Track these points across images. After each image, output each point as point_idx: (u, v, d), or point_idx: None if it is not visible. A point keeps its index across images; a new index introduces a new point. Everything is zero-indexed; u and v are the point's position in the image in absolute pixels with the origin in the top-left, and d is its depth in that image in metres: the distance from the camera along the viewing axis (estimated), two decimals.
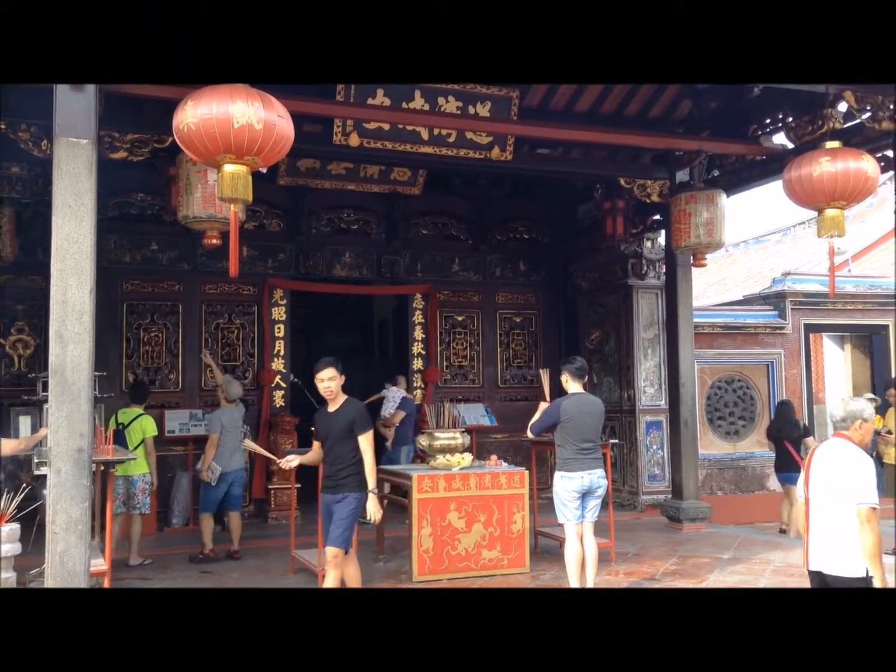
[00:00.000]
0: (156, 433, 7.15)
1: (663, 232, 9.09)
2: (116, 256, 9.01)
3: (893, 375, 9.44)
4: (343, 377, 4.90)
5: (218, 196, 4.87)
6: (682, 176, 8.30)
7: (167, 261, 9.30)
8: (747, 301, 11.35)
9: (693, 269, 8.98)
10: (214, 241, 6.24)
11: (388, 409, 9.07)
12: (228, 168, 4.68)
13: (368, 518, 4.94)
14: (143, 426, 7.04)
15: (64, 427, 4.20)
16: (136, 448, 6.89)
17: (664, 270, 9.27)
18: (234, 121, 4.51)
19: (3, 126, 5.88)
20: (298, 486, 7.35)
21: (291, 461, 5.19)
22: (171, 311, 9.30)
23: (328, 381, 4.85)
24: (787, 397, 9.67)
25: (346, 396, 4.96)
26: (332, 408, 4.96)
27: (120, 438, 6.83)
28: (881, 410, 8.66)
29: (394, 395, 9.14)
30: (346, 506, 4.82)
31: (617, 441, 9.36)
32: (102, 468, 5.00)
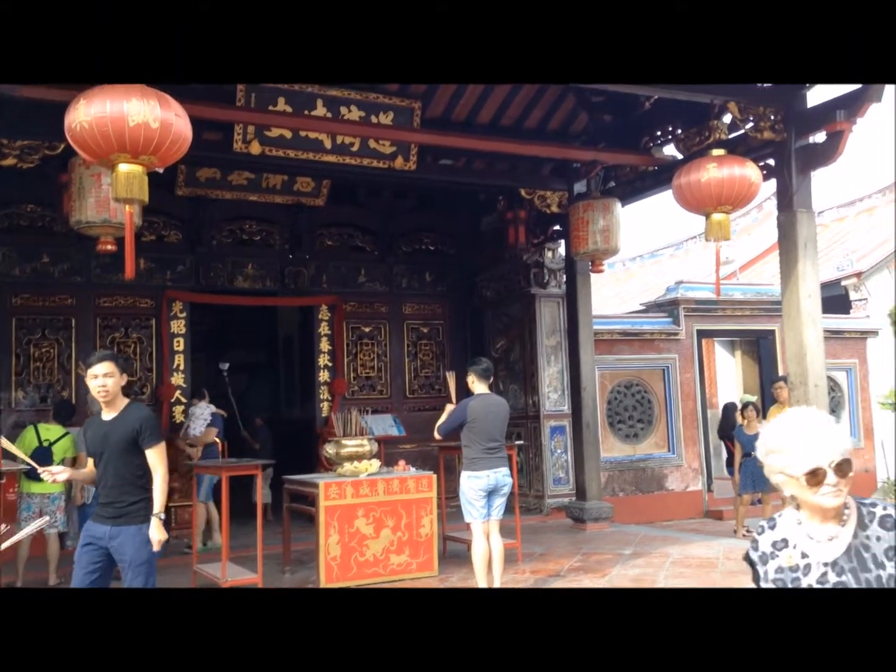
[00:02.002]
0: (75, 453, 6.91)
1: (563, 242, 9.36)
2: (5, 269, 8.61)
3: (780, 373, 9.95)
4: (125, 378, 3.98)
5: (112, 197, 4.75)
6: (579, 187, 8.59)
7: (59, 273, 8.93)
8: (644, 310, 11.78)
9: (593, 280, 9.33)
10: (109, 246, 6.05)
11: (198, 427, 8.15)
12: (123, 168, 4.57)
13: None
14: (67, 445, 6.85)
15: None
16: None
17: (565, 279, 9.54)
18: (129, 119, 4.41)
19: None
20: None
21: (57, 473, 4.01)
22: (64, 325, 8.93)
23: (104, 377, 3.84)
24: (742, 398, 10.05)
25: (127, 400, 4.00)
26: (108, 414, 3.95)
27: (44, 455, 6.56)
28: (767, 406, 9.14)
29: (202, 412, 8.24)
30: (138, 544, 3.80)
31: (522, 442, 9.54)
32: None
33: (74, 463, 6.86)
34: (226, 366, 10.26)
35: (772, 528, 2.01)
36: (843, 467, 1.84)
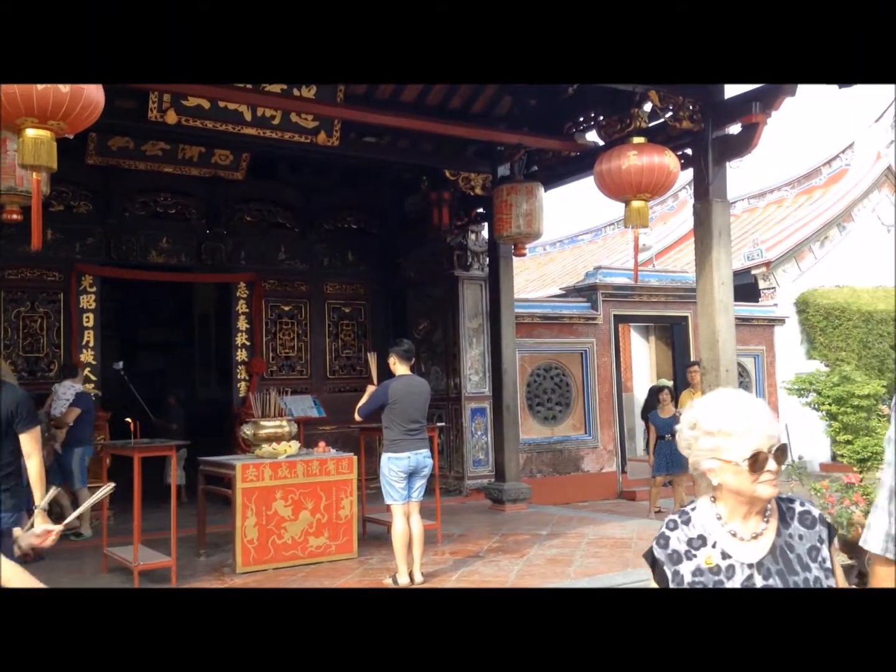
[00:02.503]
0: None
1: (486, 225, 9.38)
2: None
3: (692, 358, 10.26)
4: None
5: (19, 163, 4.48)
6: (503, 171, 8.62)
7: None
8: (564, 294, 11.96)
9: (515, 263, 9.39)
10: (15, 216, 5.73)
11: (60, 406, 7.70)
12: (31, 133, 4.31)
13: (28, 547, 3.05)
14: None
15: None
16: None
17: (488, 262, 9.58)
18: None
19: None
20: (113, 484, 6.92)
21: None
22: None
23: None
24: (658, 382, 10.26)
25: None
26: None
27: None
28: (680, 389, 9.42)
29: (66, 391, 7.76)
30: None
31: (443, 424, 9.57)
32: None
33: None
34: (119, 365, 9.77)
35: (685, 522, 1.79)
36: (781, 453, 1.68)
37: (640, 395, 14.37)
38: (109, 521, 6.71)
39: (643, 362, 14.98)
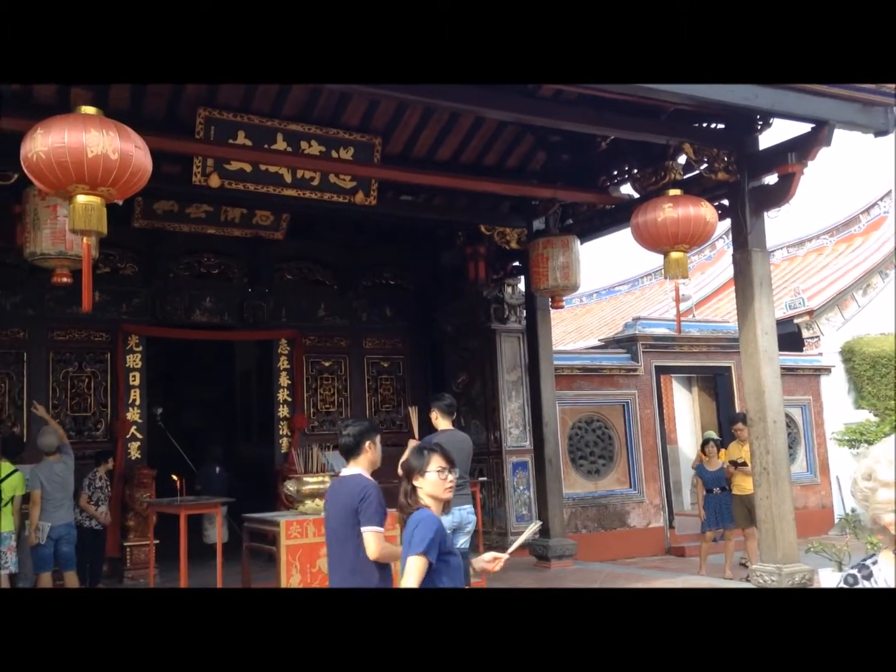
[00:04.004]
0: (24, 491, 6.67)
1: (523, 278, 9.43)
2: None
3: (738, 411, 10.08)
4: None
5: (70, 228, 4.64)
6: (538, 224, 8.69)
7: (10, 306, 8.71)
8: (603, 346, 11.89)
9: (552, 315, 9.39)
10: (65, 279, 5.91)
11: None
12: (81, 199, 4.48)
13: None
14: (16, 483, 6.61)
15: None
16: (6, 505, 6.43)
17: (525, 315, 9.59)
18: (87, 150, 4.34)
19: None
20: (157, 542, 6.98)
21: None
22: (16, 359, 8.68)
23: None
24: (705, 435, 10.11)
25: None
26: None
27: None
28: (725, 443, 9.24)
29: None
30: None
31: (485, 479, 9.47)
32: None
33: (27, 501, 6.64)
34: (159, 411, 9.98)
35: (866, 577, 1.69)
36: None
37: (684, 447, 14.11)
38: (155, 580, 6.72)
39: (687, 413, 14.74)
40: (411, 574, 2.93)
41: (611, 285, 22.11)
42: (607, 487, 10.47)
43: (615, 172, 8.10)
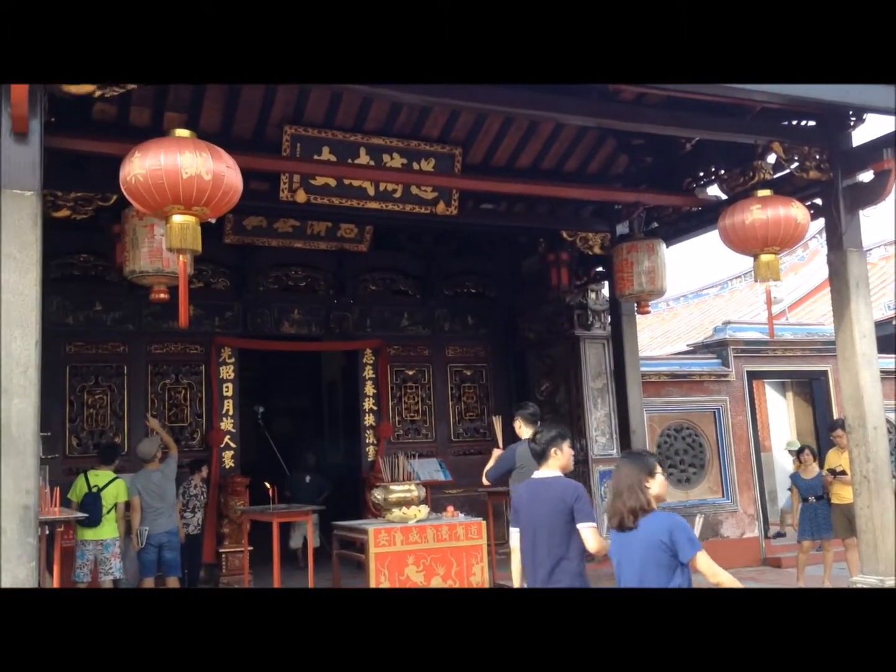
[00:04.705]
0: (127, 498, 7.00)
1: (606, 283, 9.30)
2: (59, 318, 8.82)
3: (836, 417, 9.68)
4: None
5: (167, 247, 4.85)
6: (622, 228, 8.55)
7: (111, 321, 9.14)
8: (691, 351, 11.61)
9: (637, 321, 9.22)
10: (162, 295, 6.17)
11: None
12: (177, 219, 4.67)
13: None
14: (118, 490, 6.92)
15: (10, 483, 4.03)
16: (108, 512, 6.75)
17: (609, 321, 9.46)
18: (182, 171, 4.52)
19: None
20: (251, 549, 7.20)
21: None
22: (116, 372, 9.11)
23: None
24: (787, 446, 9.84)
25: None
26: None
27: (94, 501, 6.66)
28: (824, 451, 8.88)
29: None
30: None
31: None
32: (48, 530, 4.81)
33: (128, 508, 6.93)
34: (260, 409, 10.32)
35: None
36: None
37: (779, 454, 13.63)
38: (249, 585, 6.92)
39: (781, 420, 14.25)
40: (716, 566, 3.30)
41: (699, 288, 21.59)
42: (699, 496, 10.20)
43: (701, 174, 7.91)
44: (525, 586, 4.15)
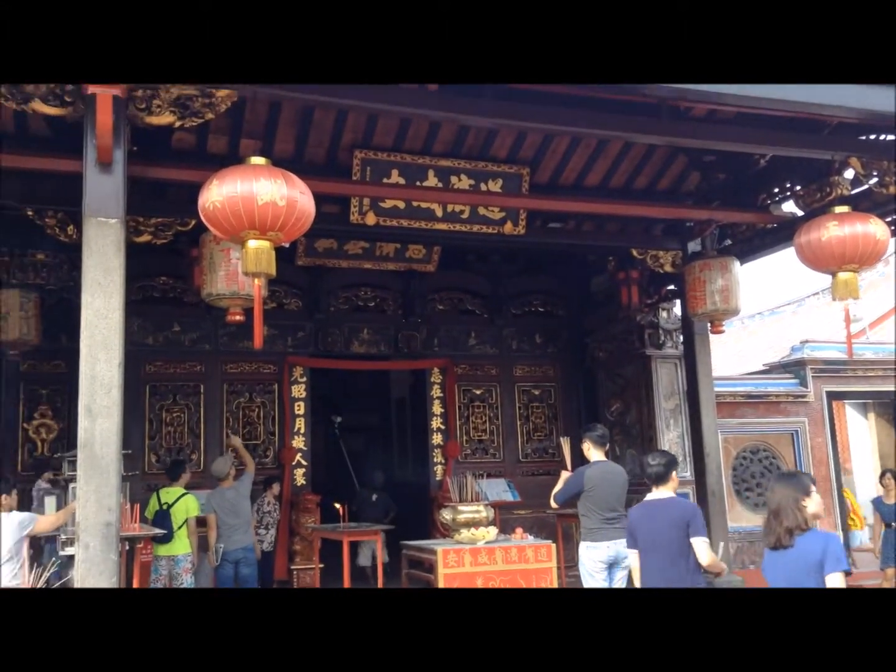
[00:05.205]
0: (198, 513, 7.17)
1: (678, 301, 9.15)
2: (139, 338, 9.13)
3: None
4: None
5: (242, 271, 4.98)
6: (694, 246, 8.40)
7: (189, 342, 9.43)
8: (767, 370, 11.30)
9: (711, 339, 9.02)
10: (238, 317, 6.34)
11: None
12: (252, 244, 4.79)
13: None
14: (188, 505, 7.08)
15: (92, 501, 4.19)
16: (179, 528, 6.92)
17: (681, 339, 9.28)
18: (258, 198, 4.65)
19: (30, 213, 6.09)
20: (322, 566, 7.28)
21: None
22: (193, 391, 9.38)
23: None
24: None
25: None
26: None
27: (164, 518, 6.85)
28: None
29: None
30: None
31: None
32: (128, 546, 4.96)
33: (205, 524, 7.07)
34: (338, 419, 10.50)
35: None
36: None
37: (860, 478, 13.10)
38: None
39: (863, 442, 13.69)
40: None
41: (775, 305, 20.98)
42: None
43: (776, 190, 7.72)
44: None
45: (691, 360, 8.72)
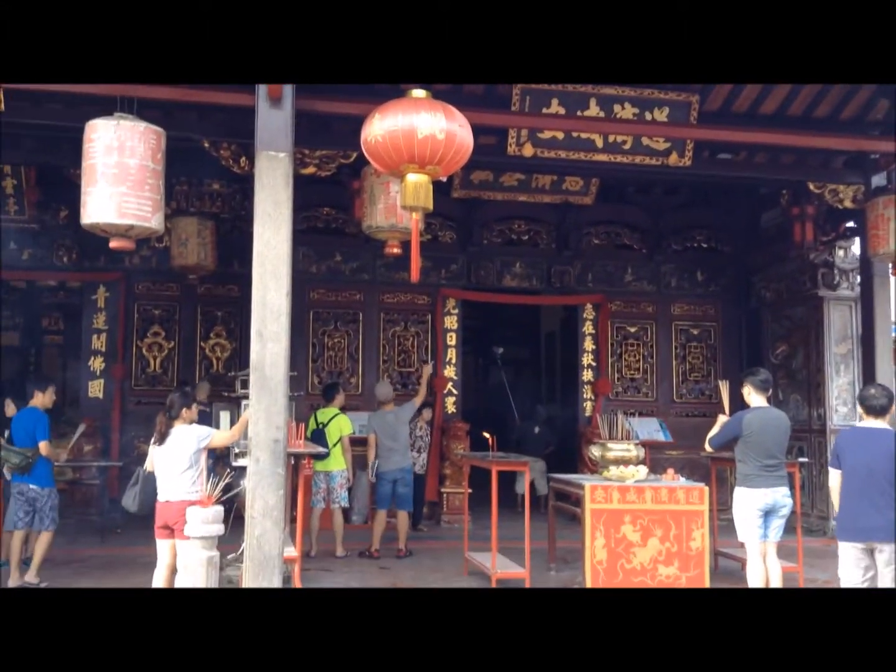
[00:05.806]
0: (352, 431, 7.60)
1: (857, 240, 8.49)
2: (304, 267, 9.56)
3: None
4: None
5: (401, 205, 5.07)
6: (878, 180, 7.71)
7: (349, 271, 9.79)
8: None
9: (892, 282, 8.33)
10: (395, 249, 6.49)
11: None
12: (411, 178, 4.85)
13: None
14: (340, 425, 7.49)
15: (262, 419, 4.51)
16: (334, 446, 7.36)
17: (858, 281, 8.64)
18: (418, 132, 4.68)
19: (206, 144, 6.41)
20: (470, 490, 7.49)
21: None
22: (353, 318, 9.79)
23: None
24: None
25: None
26: None
27: (320, 437, 7.30)
28: None
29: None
30: None
31: (806, 460, 8.77)
32: (293, 461, 5.31)
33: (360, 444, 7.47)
34: (500, 350, 10.68)
35: None
36: None
37: None
38: (469, 525, 7.24)
39: None
40: None
41: None
42: None
43: None
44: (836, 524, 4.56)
45: (868, 304, 8.12)
